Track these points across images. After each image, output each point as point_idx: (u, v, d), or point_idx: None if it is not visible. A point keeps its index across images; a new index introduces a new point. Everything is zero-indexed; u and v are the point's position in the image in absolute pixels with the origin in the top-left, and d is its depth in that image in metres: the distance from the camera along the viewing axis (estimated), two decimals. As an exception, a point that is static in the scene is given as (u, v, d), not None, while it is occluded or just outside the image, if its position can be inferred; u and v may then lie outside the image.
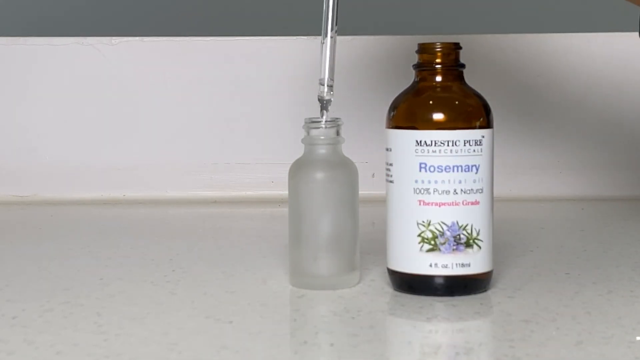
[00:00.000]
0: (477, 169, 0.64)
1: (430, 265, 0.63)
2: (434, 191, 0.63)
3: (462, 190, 0.63)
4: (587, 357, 0.52)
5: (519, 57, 1.14)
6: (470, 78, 0.66)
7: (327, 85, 0.68)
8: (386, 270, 0.67)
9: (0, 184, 1.15)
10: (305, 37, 1.14)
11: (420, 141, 0.63)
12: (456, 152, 0.63)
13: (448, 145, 0.63)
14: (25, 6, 1.30)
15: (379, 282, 0.68)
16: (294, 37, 1.15)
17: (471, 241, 0.64)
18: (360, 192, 0.68)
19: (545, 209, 1.08)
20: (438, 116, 0.64)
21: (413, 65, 0.66)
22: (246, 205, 1.12)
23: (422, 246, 0.63)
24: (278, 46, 1.15)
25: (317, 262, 0.66)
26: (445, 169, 0.63)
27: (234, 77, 1.16)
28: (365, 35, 1.13)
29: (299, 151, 0.68)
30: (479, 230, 0.64)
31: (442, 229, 0.63)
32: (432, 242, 0.63)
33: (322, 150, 0.67)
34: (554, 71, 1.14)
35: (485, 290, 0.65)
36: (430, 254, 0.63)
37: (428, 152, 0.63)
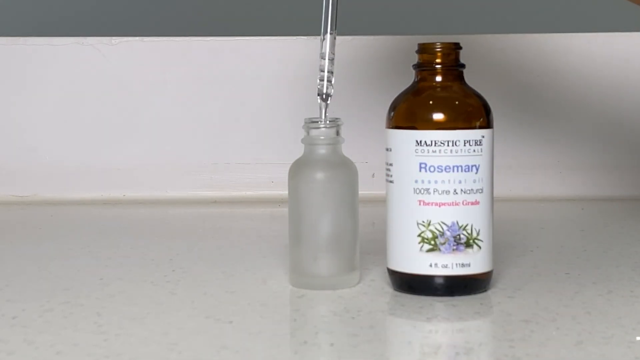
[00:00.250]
0: (477, 169, 0.64)
1: (430, 265, 0.63)
2: (434, 191, 0.63)
3: (462, 190, 0.63)
4: (587, 357, 0.52)
5: (519, 57, 1.14)
6: (470, 78, 0.66)
7: (327, 80, 0.68)
8: (386, 270, 0.67)
9: (0, 184, 1.15)
10: (305, 37, 1.14)
11: (420, 141, 0.63)
12: (456, 152, 0.63)
13: (448, 145, 0.63)
14: (25, 6, 1.30)
15: (379, 282, 0.68)
16: (294, 37, 1.15)
17: (471, 241, 0.64)
18: (360, 192, 0.68)
19: (545, 209, 1.08)
20: (438, 116, 0.64)
21: (413, 65, 0.66)
22: (246, 205, 1.12)
23: (422, 246, 0.63)
24: (278, 46, 1.15)
25: (317, 262, 0.66)
26: (445, 169, 0.63)
27: (234, 77, 1.16)
28: (365, 35, 1.13)
29: (299, 151, 0.68)
30: (479, 230, 0.64)
31: (442, 229, 0.63)
32: (432, 242, 0.63)
33: (322, 150, 0.67)
34: (554, 71, 1.14)
35: (485, 290, 0.65)
36: (430, 254, 0.63)
37: (428, 152, 0.63)
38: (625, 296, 0.65)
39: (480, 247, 0.64)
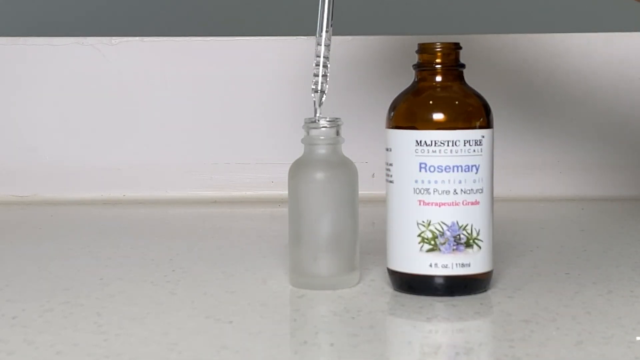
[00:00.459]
0: (477, 169, 0.64)
1: (430, 265, 0.63)
2: (434, 191, 0.63)
3: (462, 190, 0.63)
4: (587, 357, 0.52)
5: (519, 57, 1.14)
6: (470, 78, 0.66)
7: (322, 75, 0.68)
8: (386, 270, 0.67)
9: (0, 184, 1.15)
10: (305, 37, 1.14)
11: (420, 141, 0.63)
12: (456, 152, 0.63)
13: (448, 145, 0.63)
14: (25, 6, 1.30)
15: (379, 282, 0.68)
16: (294, 37, 1.15)
17: (471, 241, 0.64)
18: (360, 192, 0.68)
19: (545, 209, 1.08)
20: (438, 116, 0.64)
21: (413, 65, 0.66)
22: (246, 205, 1.12)
23: (422, 246, 0.63)
24: (278, 46, 1.15)
25: (317, 262, 0.66)
26: (445, 169, 0.63)
27: (234, 77, 1.16)
28: (365, 35, 1.13)
29: (299, 151, 0.68)
30: (479, 230, 0.64)
31: (442, 229, 0.63)
32: (432, 242, 0.63)
33: (322, 150, 0.67)
34: (554, 71, 1.14)
35: (485, 290, 0.65)
36: (430, 254, 0.63)
37: (428, 152, 0.63)
38: (625, 296, 0.65)
39: (480, 247, 0.64)
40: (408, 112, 0.65)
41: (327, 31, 0.69)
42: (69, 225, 1.01)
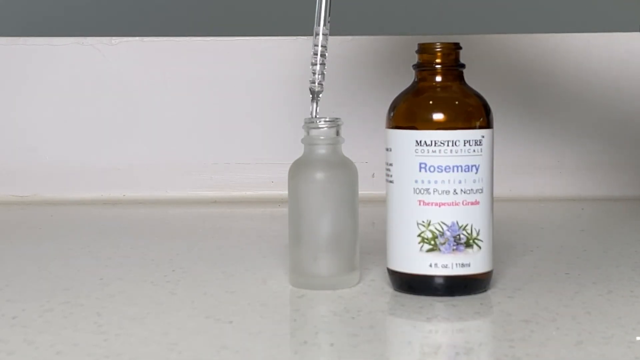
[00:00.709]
0: (477, 169, 0.64)
1: (430, 265, 0.63)
2: (434, 191, 0.63)
3: (462, 190, 0.63)
4: (587, 357, 0.52)
5: (519, 57, 1.14)
6: (470, 78, 0.66)
7: (319, 74, 0.68)
8: (386, 270, 0.67)
9: (0, 184, 1.15)
10: (304, 37, 1.14)
11: (420, 141, 0.63)
12: (456, 152, 0.63)
13: (448, 145, 0.63)
14: (25, 6, 1.30)
15: (379, 282, 0.68)
16: (294, 37, 1.15)
17: (471, 241, 0.63)
18: (360, 192, 0.68)
19: (545, 209, 1.08)
20: (438, 116, 0.64)
21: (413, 65, 0.66)
22: (246, 205, 1.12)
23: (422, 246, 0.63)
24: (278, 46, 1.15)
25: (317, 262, 0.66)
26: (445, 169, 0.63)
27: (234, 77, 1.16)
28: (365, 35, 1.13)
29: (299, 151, 0.68)
30: (479, 230, 0.64)
31: (442, 229, 0.63)
32: (432, 242, 0.63)
33: (322, 150, 0.67)
34: (554, 71, 1.14)
35: (485, 290, 0.65)
36: (430, 254, 0.63)
37: (428, 152, 0.63)
38: (625, 296, 0.65)
39: (480, 247, 0.64)
40: (408, 112, 0.65)
41: (324, 25, 0.69)
42: (69, 225, 1.01)
